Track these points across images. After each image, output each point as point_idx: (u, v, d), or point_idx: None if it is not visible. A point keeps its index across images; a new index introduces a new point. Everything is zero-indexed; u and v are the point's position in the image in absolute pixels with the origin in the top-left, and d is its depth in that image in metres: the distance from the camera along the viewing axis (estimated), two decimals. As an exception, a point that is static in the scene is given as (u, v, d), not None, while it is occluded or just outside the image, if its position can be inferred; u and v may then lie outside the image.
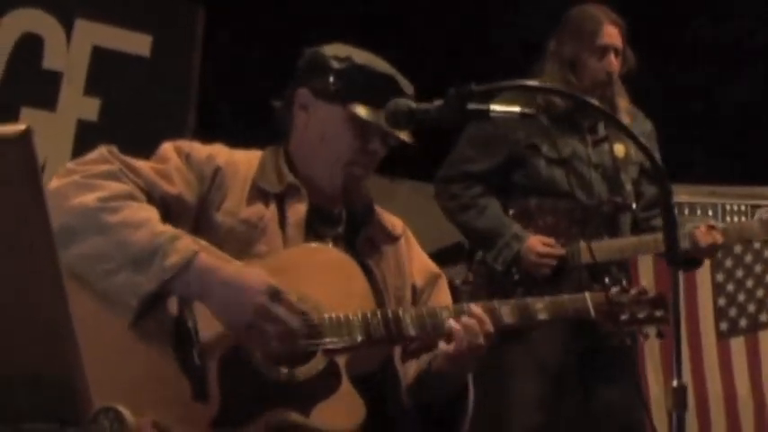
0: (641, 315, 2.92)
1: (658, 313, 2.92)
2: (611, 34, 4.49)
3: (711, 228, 4.36)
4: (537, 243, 4.37)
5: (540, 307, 2.84)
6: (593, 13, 4.54)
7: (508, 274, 4.41)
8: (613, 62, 4.46)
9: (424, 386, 2.83)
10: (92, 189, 2.57)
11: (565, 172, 4.44)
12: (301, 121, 2.89)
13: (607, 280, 2.95)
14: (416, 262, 2.99)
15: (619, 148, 4.53)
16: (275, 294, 2.52)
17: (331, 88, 2.83)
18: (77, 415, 1.73)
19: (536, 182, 4.45)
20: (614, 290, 2.92)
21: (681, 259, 2.39)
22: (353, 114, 2.79)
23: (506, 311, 2.81)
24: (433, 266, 3.04)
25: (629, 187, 4.52)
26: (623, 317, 2.90)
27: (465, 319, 2.73)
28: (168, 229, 2.57)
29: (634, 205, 4.53)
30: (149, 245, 2.51)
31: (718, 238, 4.32)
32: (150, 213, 2.59)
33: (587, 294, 2.88)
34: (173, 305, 2.57)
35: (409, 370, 2.88)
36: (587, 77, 4.47)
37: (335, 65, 2.84)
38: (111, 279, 2.50)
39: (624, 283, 2.97)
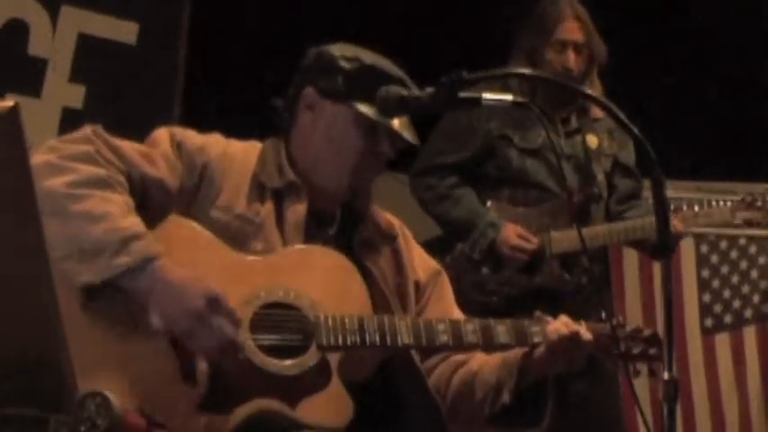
0: (635, 351, 2.93)
1: (652, 351, 2.94)
2: (572, 29, 4.48)
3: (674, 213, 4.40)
4: (512, 234, 4.37)
5: (536, 330, 2.81)
6: (560, 3, 4.53)
7: (479, 268, 4.40)
8: (571, 58, 4.46)
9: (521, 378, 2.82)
10: (63, 172, 2.54)
11: (537, 162, 4.44)
12: (306, 120, 2.86)
13: (603, 314, 2.98)
14: (417, 259, 2.98)
15: (592, 140, 4.55)
16: (214, 302, 2.50)
17: (339, 88, 2.81)
18: (63, 400, 1.71)
19: (508, 173, 4.47)
20: (612, 323, 2.94)
21: (672, 249, 2.38)
22: (362, 114, 2.77)
23: (502, 331, 2.79)
24: (433, 263, 3.04)
25: (600, 178, 4.53)
26: (618, 350, 2.91)
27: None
28: (130, 226, 2.53)
29: (605, 195, 4.54)
30: (101, 241, 2.48)
31: (679, 227, 4.36)
32: (115, 207, 2.55)
33: (583, 324, 2.87)
34: None
35: (443, 366, 2.90)
36: (545, 71, 4.46)
37: (344, 65, 2.82)
38: (58, 265, 2.45)
39: (620, 318, 2.99)
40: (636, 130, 2.37)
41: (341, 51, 2.85)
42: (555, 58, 4.46)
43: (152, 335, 2.51)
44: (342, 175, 2.82)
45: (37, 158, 2.54)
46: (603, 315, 2.96)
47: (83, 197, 2.52)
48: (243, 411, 2.51)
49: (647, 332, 2.95)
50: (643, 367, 2.97)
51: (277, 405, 2.54)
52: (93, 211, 2.51)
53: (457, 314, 2.96)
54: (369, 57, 2.84)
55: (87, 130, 2.67)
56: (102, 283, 2.47)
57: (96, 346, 2.45)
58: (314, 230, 2.82)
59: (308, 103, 2.86)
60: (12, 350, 1.68)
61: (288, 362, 2.58)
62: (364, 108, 2.77)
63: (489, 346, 2.80)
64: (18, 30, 4.84)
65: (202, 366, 2.52)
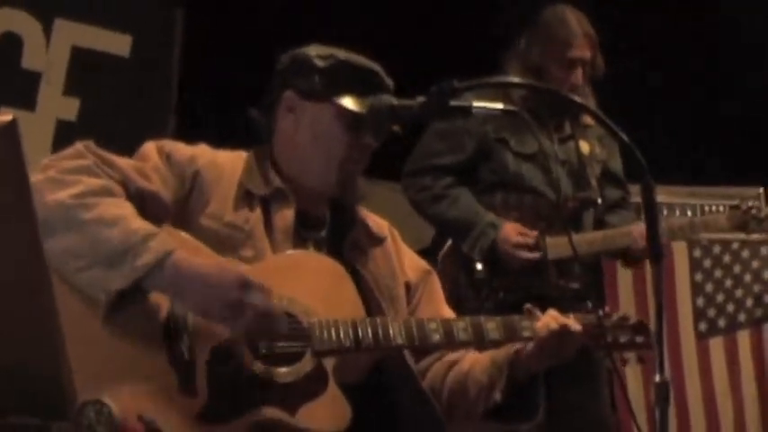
0: (623, 340, 2.96)
1: (639, 339, 2.96)
2: (581, 47, 4.46)
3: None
4: (512, 232, 4.35)
5: (526, 325, 2.84)
6: (568, 20, 4.50)
7: (475, 272, 4.40)
8: (579, 76, 4.45)
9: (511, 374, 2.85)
10: (66, 185, 2.56)
11: (532, 167, 4.44)
12: (288, 124, 2.89)
13: (590, 304, 3.00)
14: (407, 259, 3.01)
15: (584, 146, 4.54)
16: (246, 286, 2.51)
17: (318, 87, 2.84)
18: (62, 408, 1.72)
19: (502, 176, 4.44)
20: (598, 313, 2.97)
21: (662, 255, 2.39)
22: (343, 108, 2.81)
23: (492, 327, 2.82)
24: (423, 263, 3.07)
25: (594, 183, 4.52)
26: (606, 340, 2.93)
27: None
28: (143, 226, 2.55)
29: (599, 200, 4.54)
30: (122, 244, 2.49)
31: (641, 242, 4.35)
32: (124, 210, 2.57)
33: (572, 316, 2.89)
34: (162, 298, 2.55)
35: (436, 367, 2.93)
36: (549, 84, 4.45)
37: (320, 63, 2.85)
38: (82, 275, 2.49)
39: (606, 308, 3.02)
40: (625, 137, 2.38)
41: (315, 51, 2.89)
42: (563, 75, 4.43)
43: (151, 349, 2.52)
44: (329, 172, 2.84)
45: (35, 177, 2.56)
46: (590, 305, 2.98)
47: (92, 205, 2.53)
48: (244, 422, 2.53)
49: (633, 320, 2.98)
50: (631, 355, 2.99)
51: (276, 414, 2.55)
52: (104, 216, 2.52)
53: (448, 313, 2.99)
54: (342, 53, 2.89)
55: (79, 146, 2.68)
56: (133, 284, 2.48)
57: (99, 356, 2.46)
58: (304, 234, 2.84)
59: (289, 105, 2.89)
60: (12, 360, 1.69)
61: (284, 369, 2.60)
62: (345, 102, 2.81)
63: (481, 343, 2.83)
64: (12, 43, 4.87)
65: (201, 378, 2.53)
